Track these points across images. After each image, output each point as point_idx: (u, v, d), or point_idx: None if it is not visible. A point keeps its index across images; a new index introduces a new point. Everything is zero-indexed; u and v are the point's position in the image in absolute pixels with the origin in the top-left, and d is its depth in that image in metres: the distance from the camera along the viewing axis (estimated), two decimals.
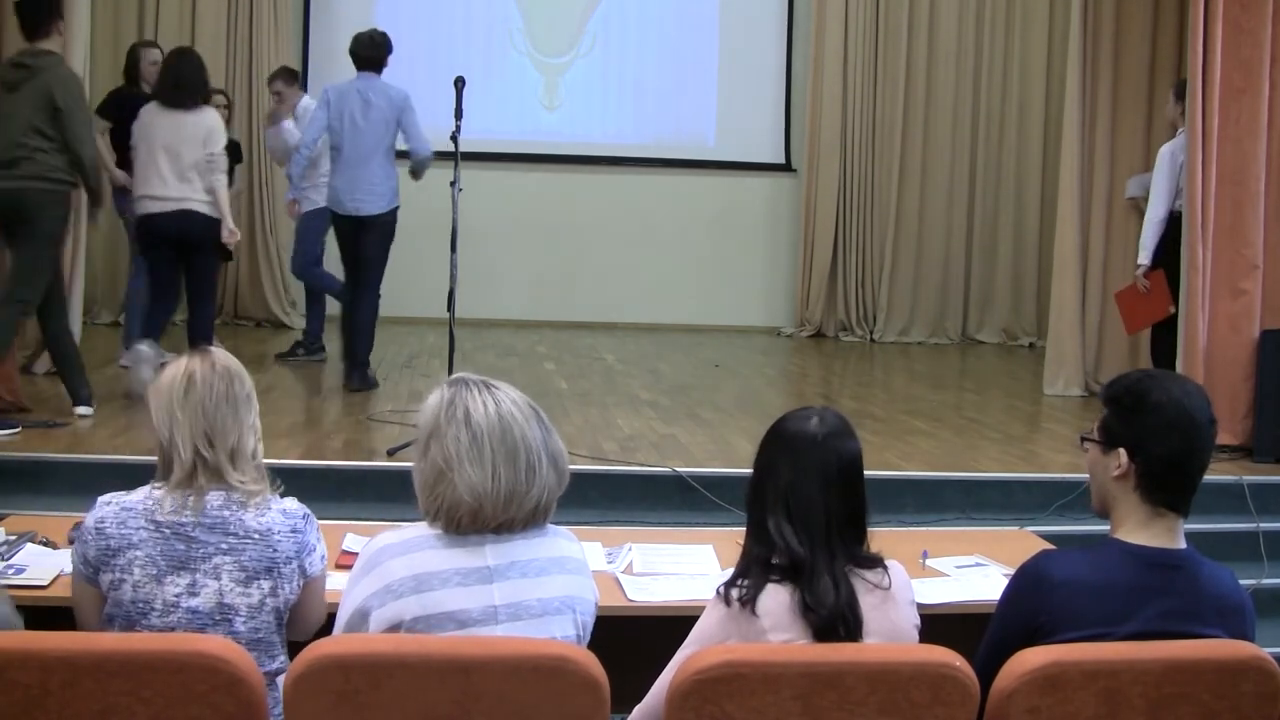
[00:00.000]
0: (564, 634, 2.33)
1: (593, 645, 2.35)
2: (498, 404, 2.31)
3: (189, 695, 2.13)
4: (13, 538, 3.16)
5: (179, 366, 2.57)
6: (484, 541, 2.30)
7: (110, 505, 2.51)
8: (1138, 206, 7.60)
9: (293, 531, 2.55)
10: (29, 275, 5.54)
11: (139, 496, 2.52)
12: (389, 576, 2.27)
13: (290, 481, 4.51)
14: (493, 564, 2.30)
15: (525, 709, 2.13)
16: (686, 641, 2.38)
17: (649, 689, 2.40)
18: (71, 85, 5.56)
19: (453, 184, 5.95)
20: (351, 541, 3.28)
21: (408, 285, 7.78)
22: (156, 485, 2.53)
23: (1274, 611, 4.63)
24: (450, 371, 5.78)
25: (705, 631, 2.36)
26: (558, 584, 2.34)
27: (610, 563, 3.25)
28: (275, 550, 2.52)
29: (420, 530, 2.33)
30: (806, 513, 2.32)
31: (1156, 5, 7.49)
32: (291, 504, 2.60)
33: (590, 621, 2.42)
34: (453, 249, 5.94)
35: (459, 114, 6.03)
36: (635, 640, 2.62)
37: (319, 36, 9.83)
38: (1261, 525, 5.18)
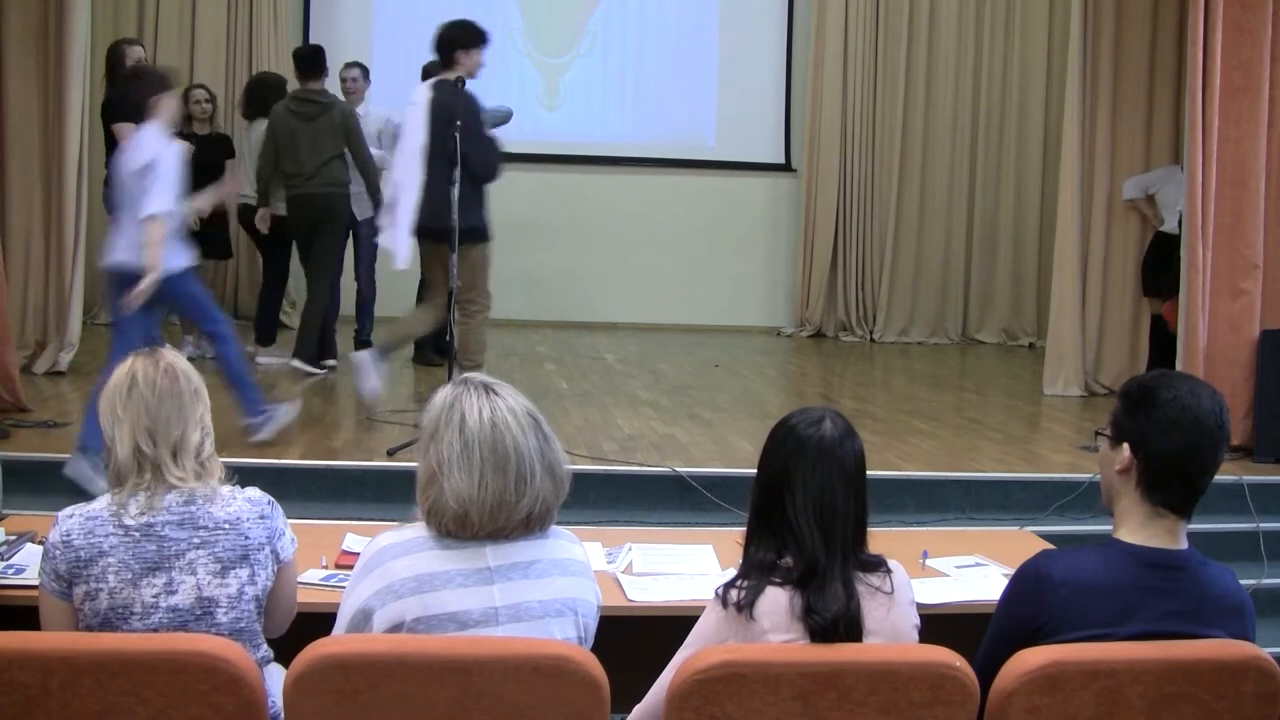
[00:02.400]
0: (565, 635, 2.33)
1: (593, 645, 2.35)
2: (493, 411, 2.29)
3: (189, 695, 2.13)
4: (13, 538, 3.16)
5: (125, 367, 2.57)
6: (485, 543, 2.30)
7: (73, 518, 2.49)
8: (1136, 208, 7.61)
9: (261, 518, 2.56)
10: (331, 260, 7.49)
11: (101, 505, 2.50)
12: (391, 577, 2.27)
13: (290, 481, 4.50)
14: (493, 565, 2.30)
15: (525, 709, 2.14)
16: (686, 642, 2.38)
17: (649, 689, 2.40)
18: (354, 118, 7.43)
19: (452, 184, 5.95)
20: (351, 541, 3.28)
21: (409, 285, 7.77)
22: (116, 491, 2.51)
23: (1274, 611, 4.64)
24: (451, 373, 5.78)
25: (704, 632, 2.36)
26: (559, 586, 2.34)
27: (610, 563, 3.25)
28: (247, 538, 2.52)
29: (421, 531, 2.33)
30: (832, 516, 2.33)
31: (1156, 5, 7.49)
32: (255, 492, 2.61)
33: (593, 624, 2.42)
34: (452, 249, 5.94)
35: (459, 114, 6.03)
36: (635, 640, 2.62)
37: (319, 36, 9.80)
38: (1261, 525, 5.18)
